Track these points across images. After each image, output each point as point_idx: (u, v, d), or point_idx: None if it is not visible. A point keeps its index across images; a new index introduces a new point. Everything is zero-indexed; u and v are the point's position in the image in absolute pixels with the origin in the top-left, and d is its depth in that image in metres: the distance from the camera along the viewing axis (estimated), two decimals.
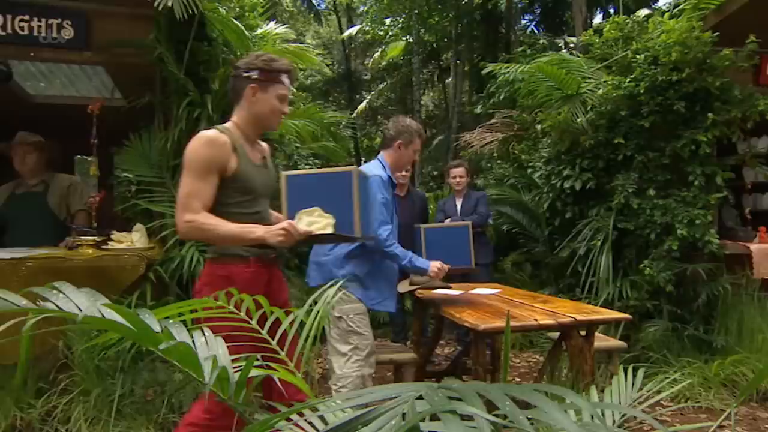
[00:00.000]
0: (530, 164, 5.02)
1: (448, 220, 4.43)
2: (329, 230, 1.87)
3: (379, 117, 18.58)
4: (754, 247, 3.76)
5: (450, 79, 14.46)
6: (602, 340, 3.21)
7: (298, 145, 4.51)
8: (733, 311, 3.75)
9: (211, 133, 1.83)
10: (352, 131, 17.40)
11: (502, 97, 6.08)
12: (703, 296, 3.68)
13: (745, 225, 4.32)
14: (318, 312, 1.14)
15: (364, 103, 16.30)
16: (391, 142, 2.76)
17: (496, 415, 0.43)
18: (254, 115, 1.92)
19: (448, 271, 2.70)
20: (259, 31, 3.87)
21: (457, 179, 4.53)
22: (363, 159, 19.21)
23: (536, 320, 2.48)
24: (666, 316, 3.87)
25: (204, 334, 0.96)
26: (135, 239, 2.92)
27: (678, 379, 3.63)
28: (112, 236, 2.96)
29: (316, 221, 1.87)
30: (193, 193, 1.76)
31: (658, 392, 1.30)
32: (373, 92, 17.03)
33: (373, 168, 2.69)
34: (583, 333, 2.69)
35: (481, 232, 4.58)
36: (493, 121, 5.86)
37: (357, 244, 2.46)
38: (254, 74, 1.87)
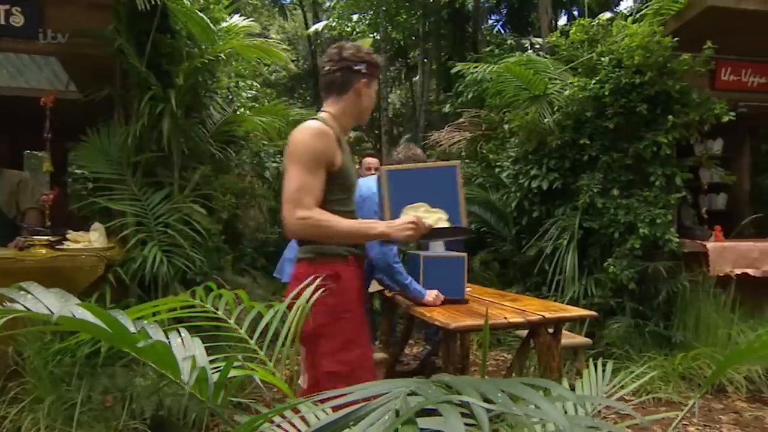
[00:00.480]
0: (498, 164, 5.12)
1: None
2: (444, 224, 1.84)
3: None
4: (710, 245, 3.95)
5: (417, 78, 14.57)
6: (568, 338, 3.31)
7: (265, 142, 4.46)
8: (691, 307, 3.94)
9: (319, 124, 1.72)
10: None
11: (470, 96, 6.18)
12: (663, 293, 3.85)
13: (702, 224, 4.55)
14: (299, 308, 1.14)
15: None
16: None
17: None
18: (359, 109, 1.87)
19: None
20: (224, 24, 3.80)
21: None
22: None
23: (506, 318, 2.53)
24: (629, 313, 4.03)
25: (180, 335, 0.95)
26: (93, 239, 2.82)
27: (640, 373, 3.79)
28: (67, 236, 2.86)
29: (426, 216, 1.83)
30: (304, 188, 1.64)
31: (622, 387, 1.35)
32: None
33: (372, 184, 2.74)
34: (550, 330, 2.77)
35: None
36: (461, 120, 5.95)
37: None
38: (363, 68, 1.83)
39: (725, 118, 3.66)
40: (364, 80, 1.84)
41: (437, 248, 4.47)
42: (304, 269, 1.74)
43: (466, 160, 6.32)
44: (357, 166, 4.54)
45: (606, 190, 4.12)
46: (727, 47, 4.10)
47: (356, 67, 1.82)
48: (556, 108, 4.17)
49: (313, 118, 1.78)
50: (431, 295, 2.78)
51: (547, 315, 2.58)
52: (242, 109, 4.45)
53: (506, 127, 4.79)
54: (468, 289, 3.53)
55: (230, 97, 3.72)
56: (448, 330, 2.47)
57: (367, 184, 2.86)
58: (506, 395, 0.41)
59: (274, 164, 4.64)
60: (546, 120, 4.10)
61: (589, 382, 1.28)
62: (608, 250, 4.15)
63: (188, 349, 0.88)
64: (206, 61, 2.86)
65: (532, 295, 4.49)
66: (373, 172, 4.39)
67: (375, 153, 4.70)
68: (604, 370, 1.34)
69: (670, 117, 3.78)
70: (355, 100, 1.85)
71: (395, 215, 1.82)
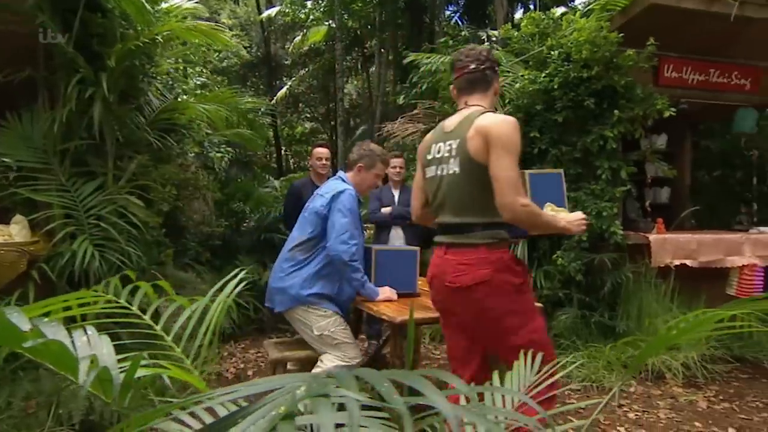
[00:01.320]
0: None
1: (387, 209, 4.44)
2: None
3: (300, 105, 18.27)
4: (652, 237, 4.14)
5: (374, 68, 14.53)
6: None
7: (209, 131, 4.33)
8: (634, 298, 4.12)
9: (512, 118, 1.91)
10: (271, 119, 16.97)
11: (424, 87, 6.20)
12: (608, 284, 4.01)
13: (646, 217, 4.76)
14: (219, 304, 1.11)
15: (284, 90, 15.95)
16: (353, 165, 2.90)
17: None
18: (494, 105, 2.09)
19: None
20: (164, 5, 3.66)
21: (397, 169, 4.54)
22: (284, 148, 18.80)
23: None
24: (576, 304, 4.18)
25: (86, 333, 0.90)
26: (14, 232, 2.66)
27: (585, 363, 3.95)
28: None
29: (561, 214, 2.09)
30: (517, 178, 1.81)
31: (551, 375, 1.39)
32: (293, 78, 16.69)
33: (339, 184, 2.78)
34: None
35: (416, 225, 4.63)
36: (415, 111, 5.96)
37: (325, 262, 2.68)
38: (497, 68, 2.07)
39: (666, 114, 3.83)
40: (498, 79, 2.09)
41: (396, 241, 4.49)
42: (484, 253, 1.90)
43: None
44: (308, 157, 4.49)
45: None
46: (670, 45, 4.29)
47: (497, 67, 2.06)
48: (506, 101, 4.25)
49: (487, 111, 1.94)
50: (385, 292, 2.78)
51: None
52: (186, 97, 4.31)
53: None
54: (419, 282, 3.56)
55: (171, 83, 3.57)
56: (395, 324, 2.49)
57: (334, 184, 2.83)
58: (390, 386, 0.41)
59: (219, 154, 4.52)
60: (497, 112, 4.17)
61: (518, 373, 1.31)
62: (557, 242, 4.28)
63: (94, 348, 0.84)
64: (141, 43, 2.72)
65: None
66: (324, 162, 4.34)
67: (326, 143, 4.63)
68: (533, 361, 1.37)
69: (615, 111, 3.93)
70: (493, 97, 2.06)
71: None
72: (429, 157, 2.08)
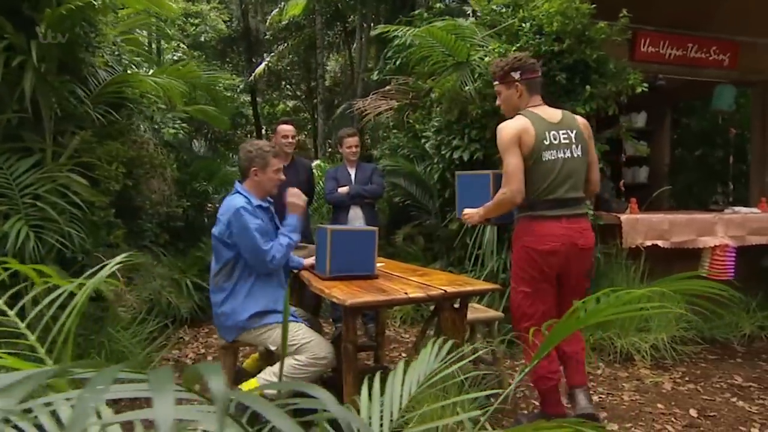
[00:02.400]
0: (424, 134, 5.10)
1: (344, 188, 4.39)
2: None
3: (283, 82, 17.96)
4: (623, 217, 4.13)
5: (355, 44, 14.27)
6: (480, 312, 3.36)
7: (162, 106, 4.18)
8: (605, 279, 4.12)
9: None
10: (249, 97, 16.65)
11: (398, 62, 6.08)
12: None
13: (621, 197, 4.74)
14: (85, 289, 1.03)
15: (262, 65, 15.65)
16: (247, 172, 2.82)
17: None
18: None
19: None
20: None
21: (353, 148, 4.49)
22: (264, 128, 18.50)
23: (407, 294, 2.53)
24: None
25: None
26: None
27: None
28: None
29: None
30: None
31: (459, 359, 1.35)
32: (272, 54, 16.38)
33: (232, 201, 2.73)
34: (456, 306, 2.80)
35: (373, 204, 4.61)
36: (387, 87, 5.86)
37: (252, 280, 2.73)
38: None
39: (639, 89, 3.78)
40: None
41: (355, 222, 4.42)
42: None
43: (394, 131, 6.28)
44: (271, 135, 4.38)
45: None
46: (646, 18, 4.22)
47: None
48: (476, 75, 4.17)
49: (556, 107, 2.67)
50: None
51: (449, 289, 2.60)
52: (144, 70, 4.16)
53: (432, 95, 4.75)
54: (380, 264, 3.51)
55: (117, 53, 3.42)
56: (345, 306, 2.44)
57: (228, 203, 2.78)
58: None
59: (173, 130, 4.38)
60: (467, 88, 4.09)
61: (426, 359, 1.26)
62: None
63: None
64: (74, 7, 2.56)
65: (455, 270, 4.57)
66: (290, 140, 4.23)
67: (291, 120, 4.52)
68: (440, 347, 1.32)
69: (587, 87, 3.86)
70: None
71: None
72: (546, 142, 2.53)
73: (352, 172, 4.57)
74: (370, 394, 1.03)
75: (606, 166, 4.61)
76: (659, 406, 3.19)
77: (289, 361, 2.64)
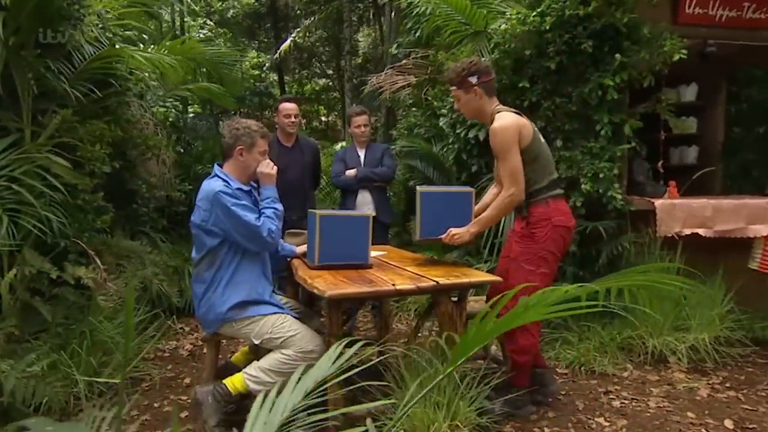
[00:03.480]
0: (440, 112, 4.96)
1: (352, 171, 4.33)
2: None
3: (314, 60, 17.94)
4: (658, 202, 3.89)
5: (385, 17, 14.06)
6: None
7: (153, 83, 4.19)
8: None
9: None
10: (276, 75, 16.68)
11: (417, 34, 5.92)
12: (603, 256, 3.80)
13: (658, 179, 4.48)
14: None
15: (288, 42, 15.66)
16: (231, 151, 2.76)
17: None
18: None
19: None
20: None
21: (362, 128, 4.43)
22: None
23: (394, 285, 2.44)
24: (570, 279, 3.99)
25: None
26: None
27: (574, 344, 3.80)
28: None
29: None
30: None
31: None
32: (298, 29, 16.38)
33: (209, 185, 2.66)
34: (455, 298, 2.70)
35: (384, 188, 4.53)
36: (404, 61, 5.71)
37: (233, 268, 2.68)
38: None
39: (677, 56, 3.53)
40: None
41: (364, 207, 4.35)
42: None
43: (413, 108, 6.14)
44: (274, 115, 4.32)
45: (548, 141, 3.99)
46: None
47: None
48: (492, 45, 3.99)
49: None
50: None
51: (442, 281, 2.50)
52: (142, 45, 4.17)
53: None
54: (382, 253, 3.43)
55: (101, 26, 3.42)
56: (325, 297, 2.37)
57: (205, 187, 2.71)
58: None
59: (163, 109, 4.38)
60: (483, 60, 3.91)
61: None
62: None
63: None
64: None
65: (473, 260, 4.45)
66: (293, 120, 4.18)
67: (294, 97, 4.46)
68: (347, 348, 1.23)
69: (617, 56, 3.63)
70: None
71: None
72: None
73: (362, 153, 4.49)
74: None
75: (640, 145, 4.37)
76: (690, 415, 3.00)
77: (275, 356, 2.60)
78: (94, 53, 3.52)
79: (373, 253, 3.21)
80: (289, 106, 4.21)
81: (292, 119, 4.19)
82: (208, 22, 16.71)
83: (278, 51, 15.10)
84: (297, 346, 2.57)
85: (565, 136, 3.95)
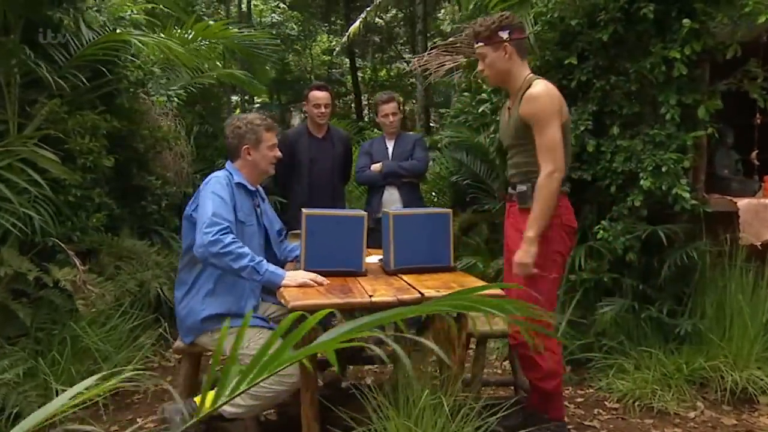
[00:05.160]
0: (482, 96, 4.71)
1: (377, 165, 4.23)
2: None
3: (392, 43, 17.95)
4: (742, 203, 3.46)
5: None
6: (496, 323, 2.98)
7: (156, 70, 4.27)
8: (711, 287, 3.51)
9: None
10: (346, 59, 16.84)
11: (471, 7, 5.67)
12: (668, 268, 3.43)
13: (751, 174, 3.98)
14: None
15: (357, 22, 15.76)
16: (238, 151, 2.74)
17: None
18: None
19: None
20: None
21: (390, 117, 4.31)
22: (365, 95, 18.64)
23: (371, 297, 2.30)
24: (629, 293, 3.65)
25: None
26: None
27: (630, 373, 3.45)
28: None
29: None
30: None
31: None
32: (368, 8, 16.45)
33: (211, 175, 2.69)
34: (454, 314, 2.51)
35: (416, 184, 4.38)
36: (450, 39, 5.49)
37: (216, 275, 2.63)
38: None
39: (761, 18, 3.09)
40: None
41: (391, 205, 4.22)
42: None
43: (464, 93, 5.90)
44: (304, 104, 4.29)
45: (602, 127, 3.68)
46: None
47: None
48: (535, 17, 3.72)
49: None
50: (295, 277, 2.51)
51: (429, 293, 2.33)
52: (147, 31, 4.28)
53: None
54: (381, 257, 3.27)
55: (96, 9, 3.51)
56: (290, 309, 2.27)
57: (210, 187, 2.65)
58: None
59: (163, 98, 4.44)
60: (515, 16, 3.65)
61: None
62: (609, 209, 3.75)
63: None
64: None
65: (480, 261, 4.24)
66: (323, 110, 4.12)
67: (325, 84, 4.40)
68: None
69: (685, 21, 3.26)
70: None
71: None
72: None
73: (390, 145, 4.37)
74: None
75: (725, 131, 3.92)
76: None
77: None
78: (94, 39, 3.63)
79: (373, 258, 3.08)
80: (319, 95, 4.16)
81: (323, 109, 4.15)
82: (281, 5, 17.22)
83: (347, 34, 15.18)
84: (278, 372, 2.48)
85: (623, 121, 3.60)
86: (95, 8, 3.51)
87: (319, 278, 2.54)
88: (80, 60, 3.47)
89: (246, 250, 2.48)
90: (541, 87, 2.52)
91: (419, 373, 2.50)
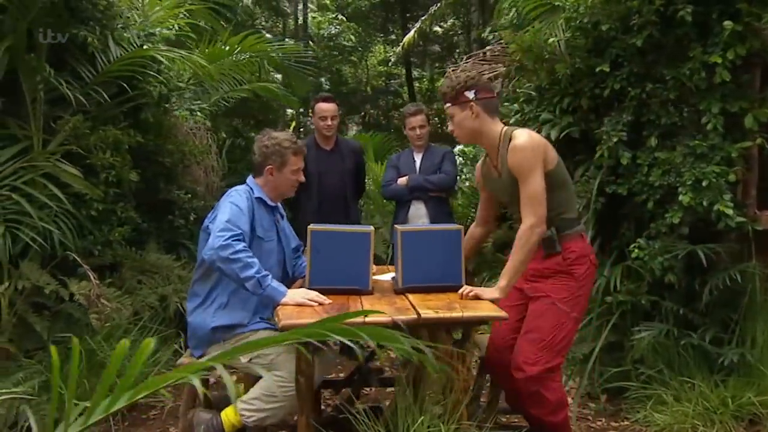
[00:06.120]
0: (513, 106, 4.66)
1: (403, 179, 4.25)
2: None
3: (453, 52, 18.01)
4: None
5: None
6: None
7: (181, 84, 4.43)
8: (763, 314, 3.32)
9: None
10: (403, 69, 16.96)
11: (511, 14, 5.64)
12: (706, 292, 3.27)
13: None
14: None
15: (412, 32, 15.90)
16: (261, 169, 2.81)
17: None
18: None
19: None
20: None
21: (417, 130, 4.34)
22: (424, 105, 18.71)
23: (364, 317, 2.30)
24: (670, 318, 3.50)
25: None
26: None
27: (670, 404, 3.29)
28: None
29: None
30: None
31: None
32: (424, 17, 16.57)
33: (235, 188, 2.81)
34: (457, 336, 2.49)
35: (444, 198, 4.37)
36: (488, 48, 5.46)
37: (230, 290, 2.69)
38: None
39: None
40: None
41: (418, 220, 4.23)
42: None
43: (506, 103, 5.85)
44: (311, 116, 4.37)
45: (638, 138, 3.56)
46: None
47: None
48: (566, 23, 3.66)
49: None
50: (294, 296, 2.55)
51: (427, 314, 2.32)
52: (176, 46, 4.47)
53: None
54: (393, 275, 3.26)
55: (121, 26, 3.70)
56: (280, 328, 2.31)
57: (231, 198, 2.76)
58: None
59: (184, 112, 4.60)
60: (550, 40, 3.60)
61: None
62: (647, 225, 3.62)
63: None
64: None
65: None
66: (330, 123, 4.19)
67: (331, 96, 4.45)
68: None
69: (726, 23, 3.12)
70: None
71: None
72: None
73: (418, 158, 4.38)
74: None
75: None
76: None
77: (267, 379, 2.58)
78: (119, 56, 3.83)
79: (387, 276, 3.08)
80: (325, 107, 4.22)
81: (329, 122, 4.21)
82: (340, 16, 17.57)
83: (401, 44, 15.32)
84: (289, 368, 2.51)
85: (661, 132, 3.48)
86: (121, 25, 3.70)
87: (320, 297, 2.56)
88: (106, 76, 3.66)
89: (255, 261, 2.52)
90: (525, 138, 2.58)
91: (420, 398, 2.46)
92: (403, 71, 17.89)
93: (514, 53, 4.00)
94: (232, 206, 2.61)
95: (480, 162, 2.95)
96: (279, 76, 5.63)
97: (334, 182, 4.19)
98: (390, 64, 18.65)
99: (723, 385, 3.29)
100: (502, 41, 5.48)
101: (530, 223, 2.50)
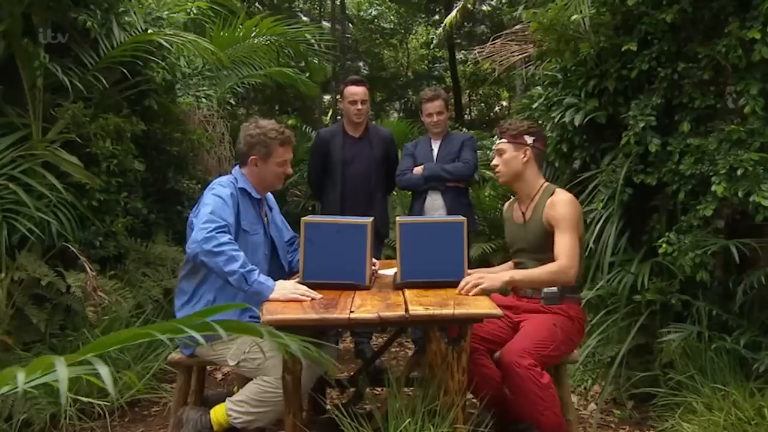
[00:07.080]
0: (535, 89, 4.55)
1: (419, 168, 4.19)
2: None
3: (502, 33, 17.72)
4: None
5: None
6: None
7: (186, 69, 4.45)
8: None
9: None
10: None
11: None
12: (740, 291, 3.12)
13: None
14: None
15: (454, 12, 15.70)
16: (245, 159, 2.82)
17: None
18: None
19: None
20: None
21: (434, 117, 4.26)
22: (468, 91, 18.36)
23: (350, 314, 2.27)
24: (704, 320, 3.36)
25: None
26: None
27: (700, 413, 3.16)
28: None
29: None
30: None
31: None
32: None
33: (218, 179, 2.82)
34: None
35: (463, 188, 4.29)
36: (517, 27, 5.31)
37: (217, 286, 2.72)
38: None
39: None
40: None
41: (434, 212, 4.17)
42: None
43: (536, 87, 5.70)
44: (338, 98, 4.35)
45: (669, 123, 3.41)
46: None
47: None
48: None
49: None
50: (281, 290, 2.52)
51: (417, 312, 2.27)
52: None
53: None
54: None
55: (121, 10, 3.73)
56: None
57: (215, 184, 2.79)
58: None
59: (188, 99, 4.61)
60: (573, 18, 3.47)
61: None
62: (678, 219, 3.47)
63: None
64: None
65: None
66: (360, 107, 4.14)
67: (362, 79, 4.42)
68: None
69: None
70: None
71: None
72: None
73: (436, 146, 4.31)
74: None
75: None
76: None
77: (255, 383, 2.60)
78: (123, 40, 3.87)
79: (390, 270, 3.05)
80: (355, 90, 4.18)
81: (359, 106, 4.16)
82: None
83: (443, 24, 15.13)
84: (277, 374, 2.51)
85: (694, 116, 3.32)
86: (122, 9, 3.74)
87: (310, 292, 2.53)
88: (108, 62, 3.71)
89: (240, 254, 2.51)
90: (569, 195, 2.85)
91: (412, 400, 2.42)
92: (447, 54, 17.68)
93: (536, 32, 3.87)
94: (215, 198, 2.61)
95: (507, 204, 3.17)
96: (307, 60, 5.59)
97: (361, 170, 4.15)
98: (432, 47, 18.46)
99: (759, 394, 3.14)
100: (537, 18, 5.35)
101: (561, 265, 2.66)
